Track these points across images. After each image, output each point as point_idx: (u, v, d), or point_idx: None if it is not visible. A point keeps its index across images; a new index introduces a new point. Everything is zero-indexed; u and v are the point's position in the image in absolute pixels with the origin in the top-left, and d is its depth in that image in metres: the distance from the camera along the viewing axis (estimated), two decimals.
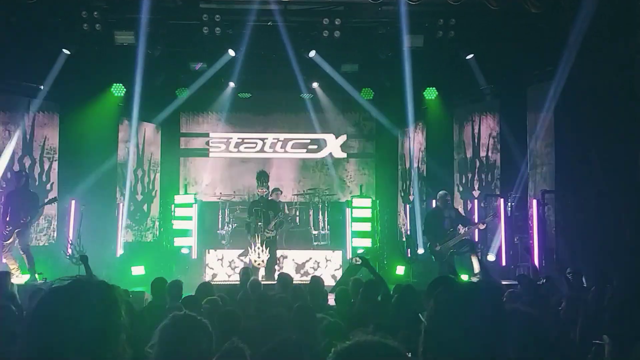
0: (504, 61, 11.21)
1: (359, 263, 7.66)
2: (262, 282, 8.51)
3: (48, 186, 12.30)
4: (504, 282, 9.24)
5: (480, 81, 12.04)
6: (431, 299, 1.91)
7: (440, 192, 10.90)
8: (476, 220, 11.29)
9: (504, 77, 11.59)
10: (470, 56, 11.66)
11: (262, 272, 10.98)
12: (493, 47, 11.33)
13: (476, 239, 11.37)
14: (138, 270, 12.49)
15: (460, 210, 11.90)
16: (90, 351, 1.78)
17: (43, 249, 11.79)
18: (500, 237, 10.99)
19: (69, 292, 1.83)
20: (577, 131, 9.61)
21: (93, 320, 1.78)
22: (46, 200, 10.62)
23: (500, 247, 11.02)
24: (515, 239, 10.72)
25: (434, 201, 11.20)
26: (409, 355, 3.04)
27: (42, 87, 11.77)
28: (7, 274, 7.60)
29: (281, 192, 11.60)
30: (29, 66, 11.41)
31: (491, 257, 11.02)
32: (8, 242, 10.09)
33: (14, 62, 11.19)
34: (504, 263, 10.97)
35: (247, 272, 8.87)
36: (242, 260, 11.83)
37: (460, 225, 10.51)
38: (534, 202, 10.25)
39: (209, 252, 12.32)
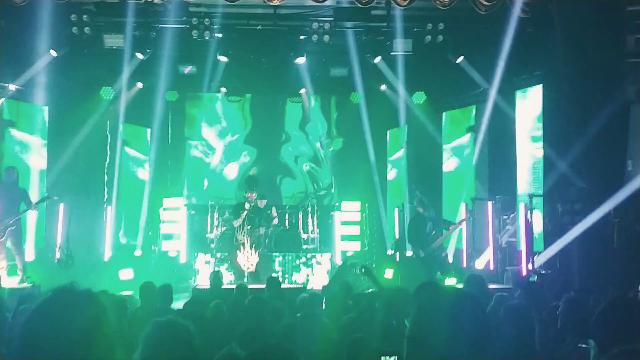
0: (493, 65, 11.29)
1: (362, 272, 7.58)
2: (250, 287, 8.49)
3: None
4: (493, 286, 9.27)
5: (469, 85, 12.12)
6: (414, 304, 1.91)
7: (417, 196, 11.04)
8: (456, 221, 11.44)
9: (493, 81, 11.65)
10: (460, 59, 11.71)
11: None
12: (482, 51, 11.40)
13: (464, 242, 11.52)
14: (126, 274, 12.45)
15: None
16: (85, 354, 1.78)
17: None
18: (488, 240, 11.08)
19: (55, 304, 1.82)
20: (565, 134, 9.70)
21: (81, 329, 1.78)
22: (38, 199, 10.52)
23: (489, 251, 11.11)
24: (504, 242, 10.79)
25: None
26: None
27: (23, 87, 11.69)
28: None
29: (265, 200, 11.55)
30: (18, 69, 11.35)
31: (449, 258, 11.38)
32: (0, 239, 10.01)
33: (3, 65, 11.11)
34: (492, 267, 11.03)
35: (218, 275, 8.88)
36: (218, 267, 11.70)
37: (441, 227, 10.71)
38: (522, 205, 10.32)
39: (196, 255, 12.30)
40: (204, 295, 8.31)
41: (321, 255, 12.50)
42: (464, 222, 11.12)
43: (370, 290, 7.54)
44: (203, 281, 11.72)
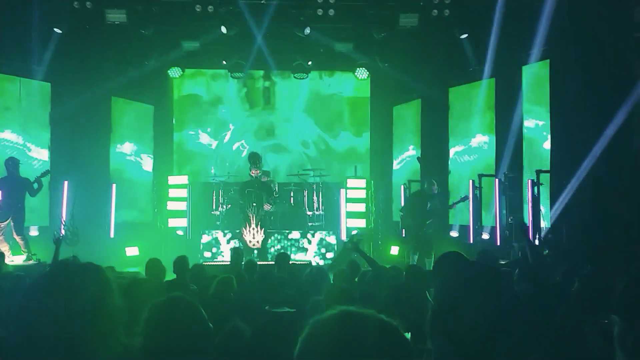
0: (499, 40, 11.12)
1: (350, 248, 7.65)
2: (258, 263, 8.48)
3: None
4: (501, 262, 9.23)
5: (473, 61, 11.97)
6: (438, 276, 1.83)
7: (430, 180, 11.20)
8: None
9: (499, 57, 11.49)
10: (464, 36, 11.56)
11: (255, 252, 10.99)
12: (488, 26, 11.23)
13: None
14: (132, 251, 12.47)
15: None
16: (84, 334, 1.73)
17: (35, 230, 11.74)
18: (495, 216, 11.04)
19: (57, 277, 1.77)
20: (572, 111, 9.56)
21: (82, 303, 1.72)
22: (39, 175, 10.51)
23: (495, 228, 11.08)
24: (510, 219, 10.73)
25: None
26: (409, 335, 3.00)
27: (35, 67, 11.61)
28: (1, 255, 7.57)
29: (269, 174, 11.54)
30: (20, 46, 11.24)
31: (454, 234, 11.57)
32: (2, 224, 10.04)
33: (6, 42, 11.02)
34: (498, 243, 10.99)
35: (238, 251, 8.85)
36: (235, 244, 11.79)
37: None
38: (529, 181, 10.23)
39: (204, 235, 12.38)
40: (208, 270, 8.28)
41: (327, 233, 12.50)
42: (454, 206, 11.35)
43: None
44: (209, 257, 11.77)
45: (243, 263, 7.48)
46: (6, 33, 10.94)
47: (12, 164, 10.32)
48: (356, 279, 6.42)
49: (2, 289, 5.07)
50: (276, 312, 3.39)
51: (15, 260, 9.99)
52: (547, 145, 10.26)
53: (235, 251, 8.91)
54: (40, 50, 11.51)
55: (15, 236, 10.25)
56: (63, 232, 11.37)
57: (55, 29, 11.26)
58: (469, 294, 1.74)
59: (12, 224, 10.20)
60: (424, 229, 10.77)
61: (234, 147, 15.01)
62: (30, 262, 10.14)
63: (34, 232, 11.62)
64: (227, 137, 15.03)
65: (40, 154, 12.17)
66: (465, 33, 11.64)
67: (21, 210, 10.27)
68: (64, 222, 11.52)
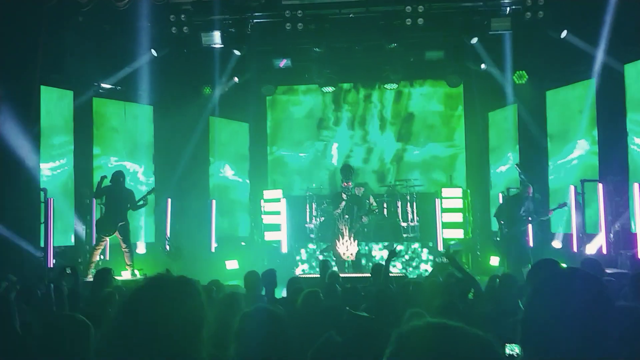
0: (599, 39, 10.60)
1: (446, 261, 7.39)
2: (350, 275, 8.48)
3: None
4: (608, 270, 8.74)
5: (573, 61, 11.47)
6: (530, 284, 1.78)
7: (522, 179, 11.04)
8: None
9: (599, 56, 10.94)
10: (564, 33, 11.11)
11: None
12: (585, 24, 10.75)
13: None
14: (232, 265, 12.84)
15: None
16: (176, 342, 1.79)
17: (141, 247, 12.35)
18: (600, 223, 10.46)
19: (151, 290, 1.84)
20: None
21: (174, 316, 1.78)
22: (146, 193, 11.01)
23: (600, 235, 10.50)
24: (617, 225, 10.16)
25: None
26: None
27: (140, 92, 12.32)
28: (109, 271, 7.95)
29: (362, 188, 11.54)
30: (122, 70, 11.95)
31: (557, 244, 10.94)
32: (107, 237, 10.60)
33: (109, 67, 11.74)
34: (604, 251, 10.41)
35: (327, 265, 8.88)
36: (324, 256, 11.84)
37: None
38: (635, 186, 9.65)
39: (302, 250, 12.61)
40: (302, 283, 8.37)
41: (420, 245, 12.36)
42: (550, 213, 10.83)
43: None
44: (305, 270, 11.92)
45: (327, 275, 7.50)
46: (110, 59, 11.66)
47: (119, 176, 10.76)
48: (470, 295, 6.15)
49: (110, 302, 5.34)
50: (361, 316, 3.38)
51: (122, 275, 10.45)
52: None
53: (323, 263, 8.96)
54: (142, 76, 12.18)
55: (123, 248, 10.69)
56: (167, 247, 11.91)
57: (152, 51, 11.85)
58: (562, 303, 1.68)
59: (119, 237, 10.63)
60: (518, 235, 10.35)
61: (327, 159, 15.14)
62: (137, 277, 10.54)
63: (141, 248, 12.20)
64: (319, 149, 15.20)
65: (145, 174, 12.82)
66: (563, 32, 11.19)
67: (127, 224, 10.69)
68: (168, 238, 12.06)
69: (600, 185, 10.61)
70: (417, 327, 1.42)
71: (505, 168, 13.67)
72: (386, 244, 12.14)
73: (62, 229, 10.96)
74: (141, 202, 10.77)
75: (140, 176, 12.74)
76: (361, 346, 3.03)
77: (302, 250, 12.61)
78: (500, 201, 12.66)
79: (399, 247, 11.63)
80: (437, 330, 1.41)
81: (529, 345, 1.74)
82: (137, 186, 12.19)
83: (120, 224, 10.49)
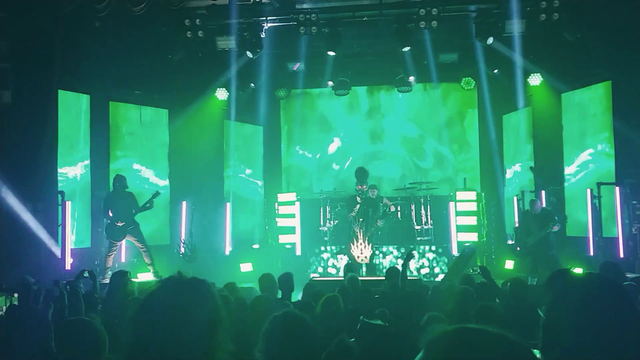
0: (615, 41, 10.53)
1: (479, 273, 7.29)
2: (365, 279, 8.49)
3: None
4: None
5: (589, 64, 11.41)
6: (550, 292, 1.78)
7: (532, 199, 10.98)
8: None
9: (616, 57, 10.87)
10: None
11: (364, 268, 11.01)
12: (601, 27, 10.67)
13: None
14: (246, 267, 12.88)
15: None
16: (195, 345, 1.80)
17: (157, 249, 12.38)
18: (617, 226, 10.38)
19: (166, 292, 1.86)
20: None
21: (189, 317, 1.80)
22: (150, 197, 11.12)
23: (617, 239, 10.41)
24: (634, 229, 10.07)
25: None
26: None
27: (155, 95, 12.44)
28: (125, 273, 8.01)
29: (376, 190, 11.53)
30: (140, 76, 12.05)
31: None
32: (119, 242, 10.80)
33: (126, 72, 11.85)
34: (621, 255, 10.33)
35: (351, 268, 8.87)
36: (340, 258, 11.86)
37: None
38: None
39: (315, 251, 12.60)
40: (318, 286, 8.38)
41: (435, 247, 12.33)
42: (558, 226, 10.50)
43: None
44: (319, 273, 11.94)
45: (346, 279, 7.50)
46: (128, 65, 11.76)
47: (115, 181, 10.91)
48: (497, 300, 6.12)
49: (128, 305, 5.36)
50: (374, 324, 3.38)
51: (140, 277, 10.55)
52: None
53: (348, 267, 8.97)
54: (157, 79, 12.29)
55: (140, 249, 10.87)
56: (182, 250, 11.97)
57: (170, 57, 11.95)
58: (583, 309, 1.68)
59: (133, 240, 10.80)
60: (545, 248, 10.26)
61: (341, 162, 15.16)
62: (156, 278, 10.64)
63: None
64: (333, 153, 15.22)
65: (160, 177, 12.91)
66: (578, 34, 11.12)
67: (137, 225, 10.84)
68: (182, 240, 12.13)
69: (617, 189, 10.54)
70: (447, 332, 1.32)
71: (519, 170, 13.62)
72: (402, 250, 12.11)
73: (79, 232, 11.08)
74: (147, 206, 10.92)
75: (155, 179, 12.82)
76: (379, 354, 3.04)
77: (316, 254, 12.66)
78: (515, 204, 12.63)
79: (415, 253, 11.63)
80: (472, 334, 1.30)
81: (551, 352, 1.74)
82: (152, 190, 12.27)
83: (130, 227, 10.68)
